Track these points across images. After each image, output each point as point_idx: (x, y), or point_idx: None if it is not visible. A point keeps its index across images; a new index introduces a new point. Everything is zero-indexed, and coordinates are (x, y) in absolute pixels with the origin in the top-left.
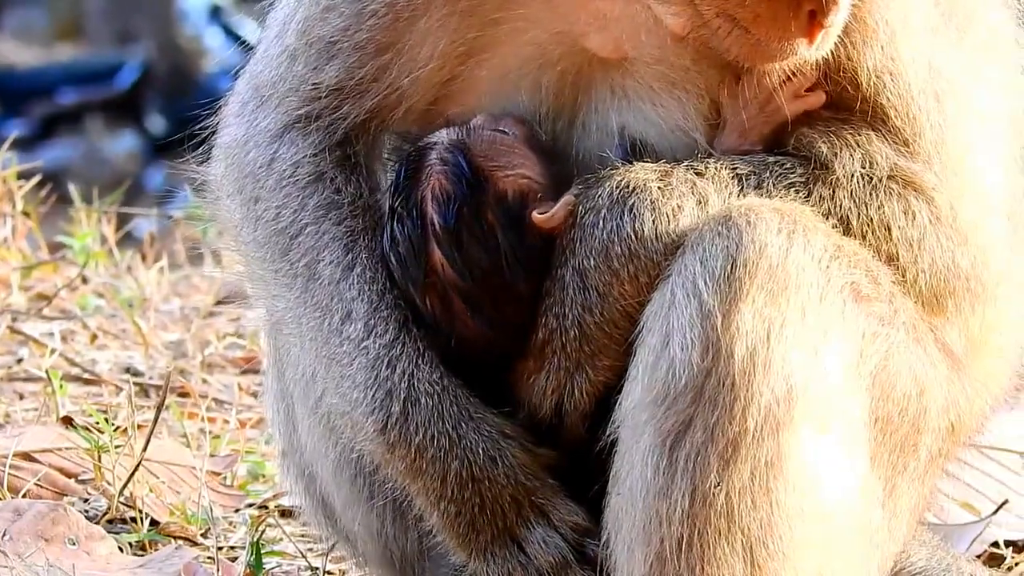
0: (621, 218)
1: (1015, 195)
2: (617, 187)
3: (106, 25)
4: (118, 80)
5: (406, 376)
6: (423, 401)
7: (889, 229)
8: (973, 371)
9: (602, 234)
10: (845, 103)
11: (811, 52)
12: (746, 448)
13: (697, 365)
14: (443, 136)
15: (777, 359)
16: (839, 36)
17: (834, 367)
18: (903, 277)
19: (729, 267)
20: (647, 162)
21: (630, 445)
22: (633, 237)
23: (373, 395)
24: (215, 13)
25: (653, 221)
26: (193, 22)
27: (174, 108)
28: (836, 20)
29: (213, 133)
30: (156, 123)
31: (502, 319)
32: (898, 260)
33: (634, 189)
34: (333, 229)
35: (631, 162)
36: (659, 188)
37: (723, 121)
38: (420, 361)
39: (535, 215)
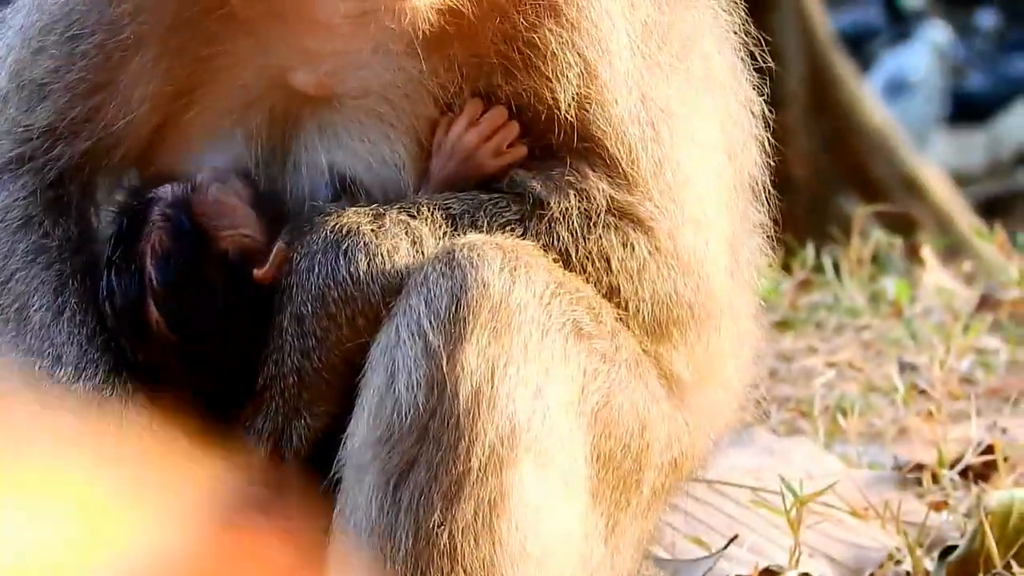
0: (336, 262)
1: (735, 224)
2: (331, 231)
3: None
4: None
5: (114, 419)
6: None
7: (609, 261)
8: (697, 404)
9: (317, 279)
10: (555, 140)
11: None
12: (470, 487)
13: (422, 405)
14: (167, 191)
15: (501, 398)
16: (529, 70)
17: (556, 405)
18: (626, 309)
19: (453, 307)
20: (359, 202)
21: (354, 484)
22: (348, 280)
23: None
24: None
25: (368, 263)
26: None
27: None
28: None
29: None
30: None
31: (220, 374)
32: (620, 292)
33: (347, 232)
34: (42, 274)
35: (341, 200)
36: (372, 230)
37: (427, 174)
38: (129, 404)
39: (256, 273)
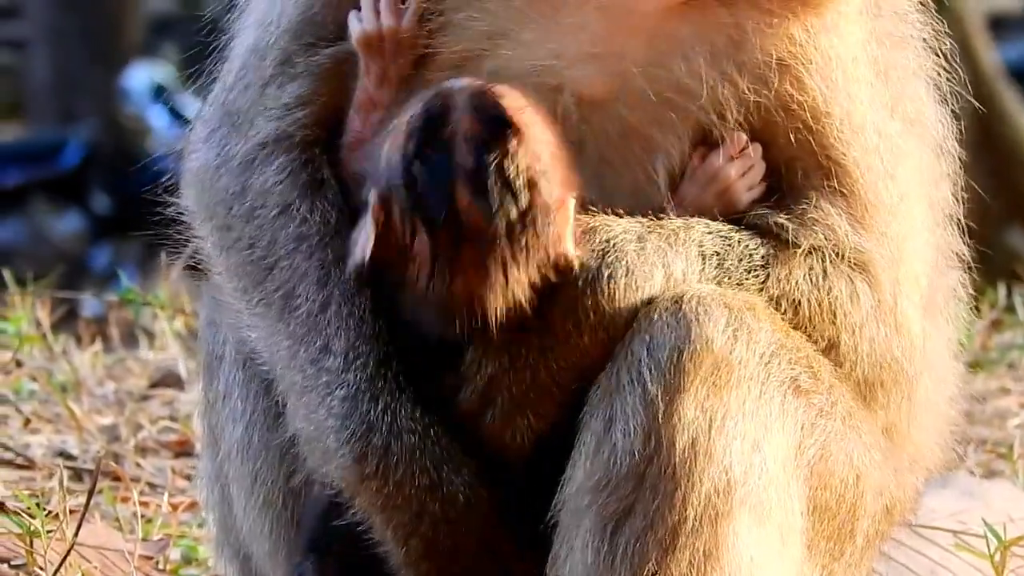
0: (597, 272)
1: (933, 276)
2: (597, 241)
3: (49, 104)
4: (62, 159)
5: (388, 411)
6: (405, 437)
7: (835, 314)
8: (902, 455)
9: (574, 283)
10: (801, 172)
11: None
12: (685, 537)
13: (639, 452)
14: (474, 84)
15: (717, 450)
16: (816, 78)
17: (773, 459)
18: (841, 364)
19: (675, 357)
20: (623, 216)
21: (570, 528)
22: (603, 293)
23: (353, 425)
24: (158, 92)
25: (624, 283)
26: (136, 101)
27: (119, 187)
28: None
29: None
30: (101, 202)
31: (471, 292)
32: (839, 347)
33: (613, 246)
34: (304, 264)
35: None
36: (635, 251)
37: (679, 198)
38: (403, 397)
39: (567, 245)
